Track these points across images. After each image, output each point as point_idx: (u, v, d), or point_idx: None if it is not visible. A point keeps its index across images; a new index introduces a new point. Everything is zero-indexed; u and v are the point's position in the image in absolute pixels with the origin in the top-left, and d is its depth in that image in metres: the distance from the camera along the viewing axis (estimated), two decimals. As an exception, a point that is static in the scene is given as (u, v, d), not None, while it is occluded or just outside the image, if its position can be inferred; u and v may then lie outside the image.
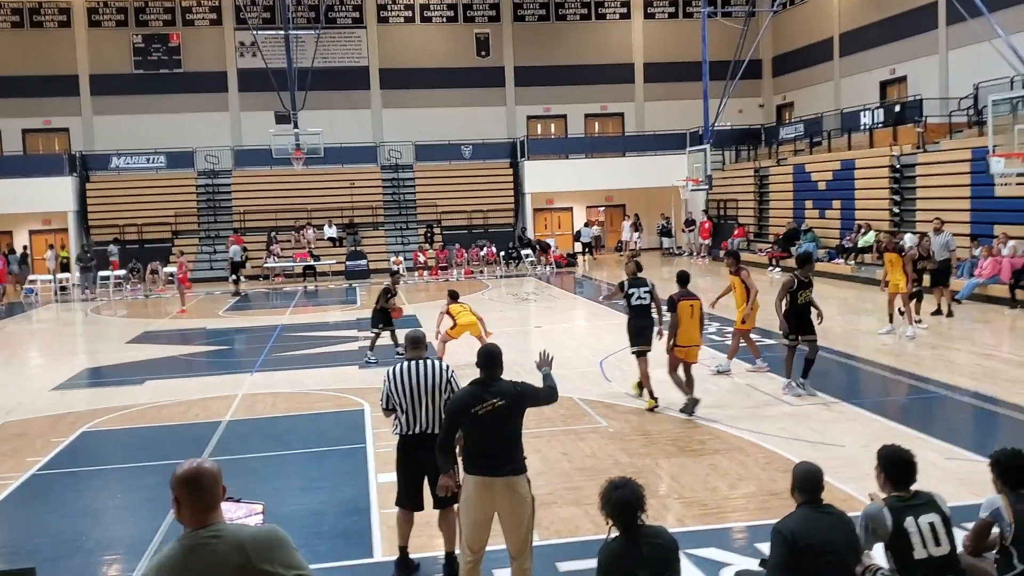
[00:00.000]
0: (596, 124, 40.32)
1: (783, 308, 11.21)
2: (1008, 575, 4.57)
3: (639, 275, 11.63)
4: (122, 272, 29.64)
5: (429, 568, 6.52)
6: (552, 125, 40.16)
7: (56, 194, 32.19)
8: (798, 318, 11.21)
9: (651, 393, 11.06)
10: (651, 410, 10.86)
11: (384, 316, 15.17)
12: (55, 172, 32.63)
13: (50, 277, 28.97)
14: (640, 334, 11.20)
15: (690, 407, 10.61)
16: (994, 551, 4.89)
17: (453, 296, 14.58)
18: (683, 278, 11.32)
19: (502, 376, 5.67)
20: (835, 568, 4.48)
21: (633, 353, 11.28)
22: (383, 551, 6.95)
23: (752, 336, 13.44)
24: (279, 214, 33.88)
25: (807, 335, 11.25)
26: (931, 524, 4.62)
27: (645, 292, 11.39)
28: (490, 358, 5.67)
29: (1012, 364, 12.99)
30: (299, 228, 33.26)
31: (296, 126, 32.55)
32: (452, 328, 14.07)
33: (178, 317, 22.55)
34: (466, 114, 37.83)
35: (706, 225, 33.73)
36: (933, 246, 17.31)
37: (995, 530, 4.85)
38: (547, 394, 5.84)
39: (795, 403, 10.94)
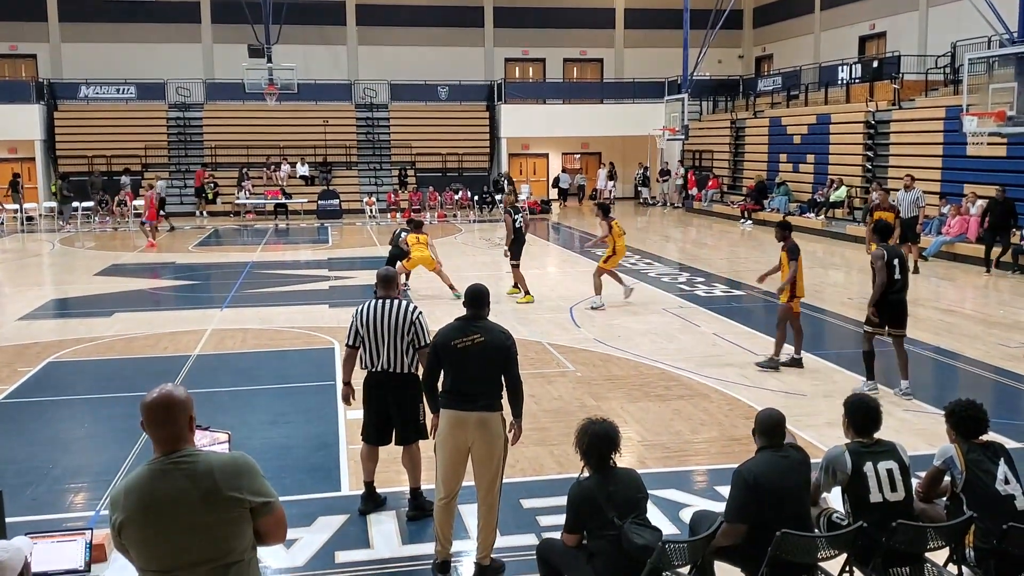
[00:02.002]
0: (575, 69, 39.98)
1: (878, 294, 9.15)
2: (957, 520, 4.72)
3: (515, 204, 15.34)
4: (90, 204, 29.22)
5: (396, 503, 6.62)
6: (530, 69, 39.75)
7: (22, 122, 31.49)
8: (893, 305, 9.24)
9: (527, 291, 14.69)
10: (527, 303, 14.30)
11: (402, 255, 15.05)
12: (21, 99, 31.89)
13: (16, 207, 28.49)
14: (520, 248, 14.75)
15: (770, 363, 10.38)
16: (945, 498, 5.04)
17: (416, 226, 15.14)
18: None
19: (488, 318, 5.67)
20: (792, 511, 4.60)
21: (513, 263, 14.73)
22: (350, 485, 7.05)
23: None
24: (251, 150, 33.41)
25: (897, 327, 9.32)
26: (889, 470, 4.75)
27: (520, 217, 14.84)
28: (475, 296, 5.67)
29: (973, 320, 13.24)
30: (271, 165, 32.87)
31: (270, 60, 31.95)
32: (407, 260, 14.79)
33: (147, 251, 22.34)
34: (443, 54, 37.29)
35: (691, 176, 33.68)
36: (902, 202, 17.48)
37: (946, 478, 5.00)
38: (519, 385, 5.60)
39: (759, 353, 11.08)
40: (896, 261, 9.13)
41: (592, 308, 14.01)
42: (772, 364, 10.35)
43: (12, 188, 29.46)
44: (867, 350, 9.38)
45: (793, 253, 10.26)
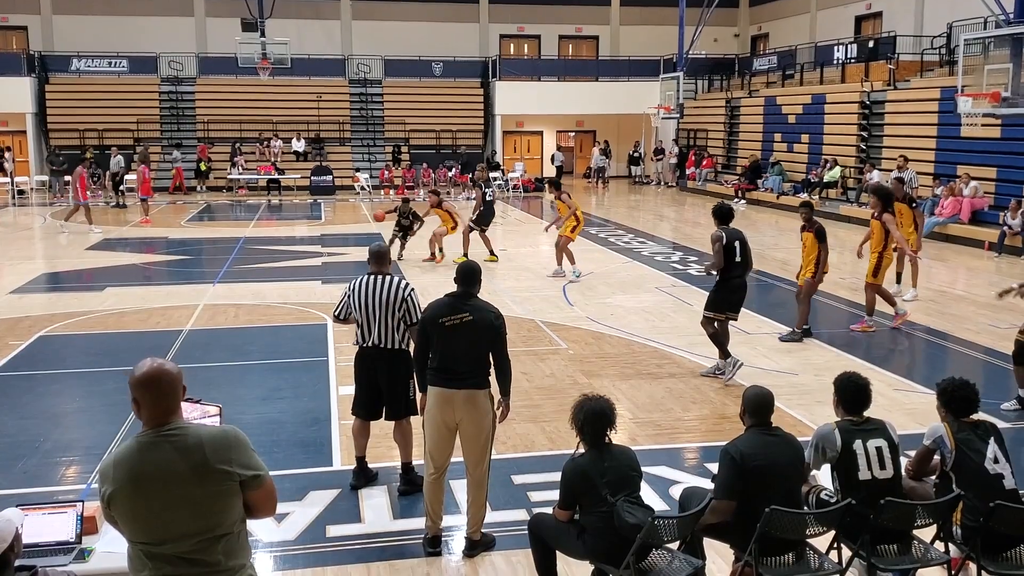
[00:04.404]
0: (570, 46, 39.76)
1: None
2: (945, 497, 4.74)
3: (487, 179, 17.26)
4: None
5: (387, 478, 6.64)
6: (525, 45, 39.51)
7: (13, 95, 31.20)
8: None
9: (492, 251, 16.52)
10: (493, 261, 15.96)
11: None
12: (12, 72, 31.62)
13: (7, 180, 28.34)
14: (488, 219, 16.66)
15: (794, 336, 10.78)
16: (934, 476, 5.07)
17: (437, 194, 16.63)
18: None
19: (479, 296, 5.63)
20: (780, 488, 4.62)
21: (483, 229, 16.48)
22: (342, 460, 7.06)
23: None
24: (244, 125, 33.21)
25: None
26: (878, 448, 4.77)
27: (490, 191, 16.77)
28: (467, 274, 5.63)
29: (964, 301, 13.27)
30: (264, 140, 32.69)
31: (263, 35, 31.68)
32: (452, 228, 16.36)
33: (140, 226, 22.24)
34: (438, 30, 37.00)
35: (692, 154, 33.47)
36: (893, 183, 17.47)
37: (936, 456, 5.02)
38: (507, 364, 5.58)
39: (751, 332, 11.11)
40: (737, 243, 8.95)
41: (576, 276, 14.81)
42: (796, 336, 10.72)
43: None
44: (712, 332, 9.15)
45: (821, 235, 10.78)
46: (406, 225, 16.54)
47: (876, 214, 11.21)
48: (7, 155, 30.33)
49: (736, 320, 9.37)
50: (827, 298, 13.47)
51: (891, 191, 11.77)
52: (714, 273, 9.23)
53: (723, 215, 9.23)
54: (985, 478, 4.76)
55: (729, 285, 9.05)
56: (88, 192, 21.72)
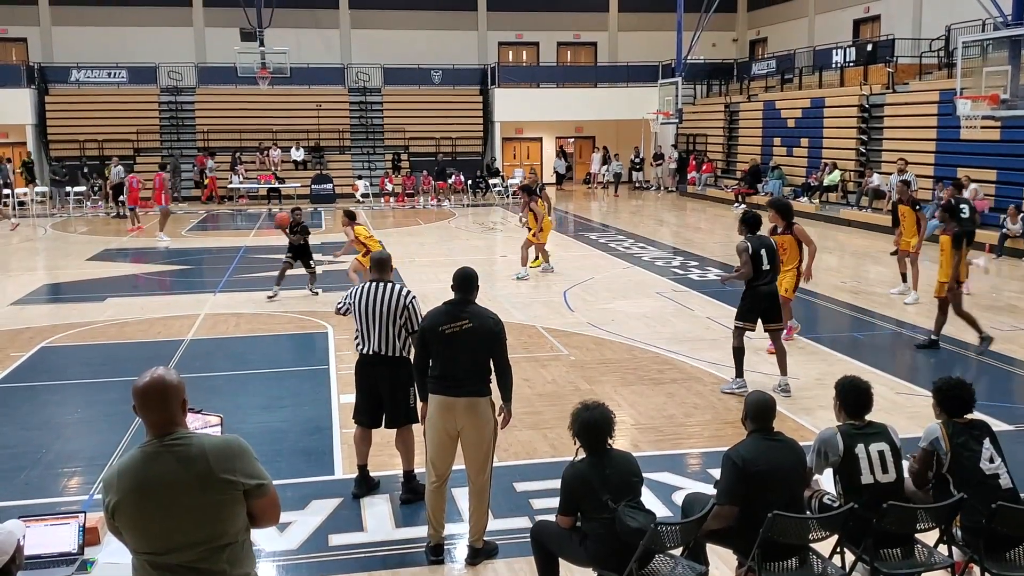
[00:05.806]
0: (568, 53, 39.82)
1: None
2: (948, 501, 4.73)
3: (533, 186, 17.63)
4: (82, 188, 29.11)
5: (389, 486, 6.63)
6: (524, 52, 39.58)
7: (13, 106, 31.25)
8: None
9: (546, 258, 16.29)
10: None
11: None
12: (12, 83, 31.68)
13: (8, 192, 28.31)
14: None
15: (984, 345, 10.56)
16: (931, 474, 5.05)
17: (351, 216, 13.40)
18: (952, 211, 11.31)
19: (476, 302, 5.61)
20: (783, 493, 4.61)
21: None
22: (344, 469, 7.05)
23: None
24: (244, 134, 33.26)
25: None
26: (880, 452, 4.76)
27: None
28: (464, 280, 5.61)
29: (966, 303, 13.21)
30: (264, 149, 32.73)
31: (262, 44, 31.72)
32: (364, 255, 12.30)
33: (136, 235, 22.22)
34: (436, 37, 37.10)
35: (692, 159, 33.47)
36: (895, 186, 17.49)
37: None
38: (507, 370, 5.57)
39: (752, 336, 11.08)
40: (763, 251, 8.76)
41: (517, 278, 15.13)
42: (986, 342, 10.52)
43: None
44: (737, 346, 8.93)
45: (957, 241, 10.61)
46: (299, 245, 13.89)
47: (781, 229, 10.40)
48: (7, 165, 30.33)
49: (780, 328, 9.16)
50: (827, 302, 13.48)
51: (788, 204, 11.39)
52: (733, 282, 9.30)
53: (752, 223, 9.02)
54: (981, 478, 4.75)
55: (756, 293, 8.81)
56: (168, 196, 21.89)
